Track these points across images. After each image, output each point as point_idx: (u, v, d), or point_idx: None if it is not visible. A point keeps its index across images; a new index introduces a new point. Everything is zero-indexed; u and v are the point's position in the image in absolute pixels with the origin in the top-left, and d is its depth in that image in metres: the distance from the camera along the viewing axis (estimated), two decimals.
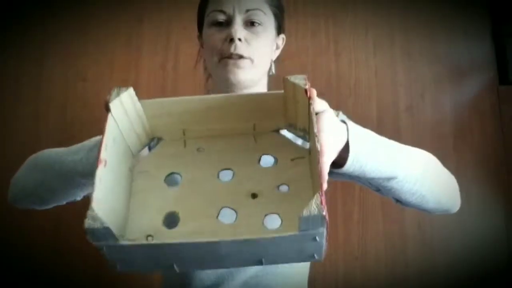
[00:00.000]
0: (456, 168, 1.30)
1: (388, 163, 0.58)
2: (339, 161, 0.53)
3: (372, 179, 0.59)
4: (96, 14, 1.40)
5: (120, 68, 1.36)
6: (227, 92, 0.75)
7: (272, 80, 0.85)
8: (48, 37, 1.38)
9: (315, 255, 0.44)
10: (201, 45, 0.81)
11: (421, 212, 1.26)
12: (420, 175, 0.62)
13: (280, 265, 0.72)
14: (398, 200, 0.66)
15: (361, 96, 1.35)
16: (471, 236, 1.27)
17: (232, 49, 0.71)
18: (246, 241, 0.39)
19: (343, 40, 1.39)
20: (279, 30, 0.81)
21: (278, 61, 0.85)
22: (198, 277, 0.71)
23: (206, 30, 0.76)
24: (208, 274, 0.72)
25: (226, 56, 0.72)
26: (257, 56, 0.73)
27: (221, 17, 0.73)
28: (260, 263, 0.42)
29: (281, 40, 0.83)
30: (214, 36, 0.74)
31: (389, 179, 0.59)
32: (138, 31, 1.39)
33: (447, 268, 1.26)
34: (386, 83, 1.36)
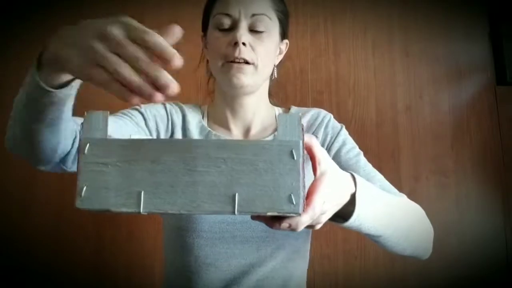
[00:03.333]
0: (454, 167, 1.32)
1: (382, 225, 0.58)
2: (342, 213, 0.52)
3: (362, 233, 0.58)
4: (96, 14, 1.40)
5: None
6: (229, 95, 0.78)
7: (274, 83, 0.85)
8: (48, 37, 1.38)
9: (292, 197, 0.38)
10: (205, 46, 0.81)
11: None
12: (405, 235, 0.64)
13: (279, 269, 0.73)
14: None
15: (360, 96, 1.36)
16: (469, 235, 1.27)
17: (236, 53, 0.71)
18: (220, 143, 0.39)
19: (342, 40, 1.39)
20: (283, 35, 0.81)
21: (280, 65, 0.85)
22: (202, 283, 0.72)
23: (211, 33, 0.76)
24: (212, 281, 0.72)
25: (230, 60, 0.72)
26: (260, 62, 0.73)
27: (227, 21, 0.73)
28: (231, 182, 0.39)
29: (284, 45, 0.83)
30: (219, 39, 0.73)
31: (378, 236, 0.59)
32: None
33: (446, 267, 1.26)
34: (385, 83, 1.37)
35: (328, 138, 0.80)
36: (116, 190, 0.39)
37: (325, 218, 0.48)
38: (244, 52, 0.71)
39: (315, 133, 0.80)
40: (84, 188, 0.39)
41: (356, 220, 0.52)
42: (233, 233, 0.72)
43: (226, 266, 0.72)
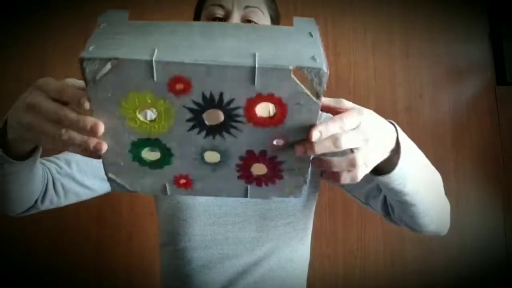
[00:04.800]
0: (454, 168, 1.32)
1: (422, 184, 0.55)
2: (385, 166, 0.48)
3: (401, 195, 0.53)
4: (96, 14, 1.40)
5: None
6: None
7: None
8: (48, 37, 1.39)
9: (315, 56, 0.37)
10: None
11: None
12: (436, 202, 0.62)
13: (277, 269, 0.72)
14: (388, 214, 0.67)
15: (360, 96, 1.36)
16: (469, 235, 1.27)
17: None
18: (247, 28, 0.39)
19: (342, 40, 1.39)
20: None
21: None
22: (197, 285, 0.72)
23: None
24: (207, 283, 0.72)
25: None
26: None
27: (219, 12, 0.72)
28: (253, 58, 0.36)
29: None
30: None
31: (415, 199, 0.55)
32: None
33: (445, 267, 1.26)
34: (385, 83, 1.37)
35: None
36: (128, 45, 0.36)
37: (371, 151, 0.43)
38: None
39: None
40: (92, 46, 0.37)
41: (402, 170, 0.49)
42: (226, 235, 0.72)
43: (220, 268, 0.71)
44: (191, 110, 0.39)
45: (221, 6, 0.71)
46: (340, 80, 1.37)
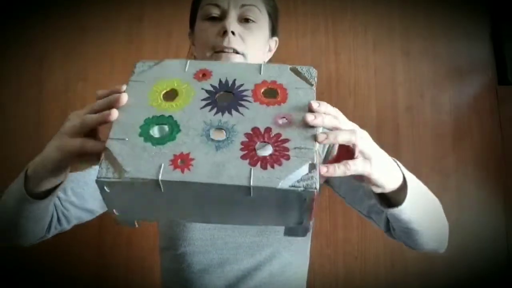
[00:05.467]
0: (455, 167, 1.31)
1: (424, 212, 0.59)
2: (393, 200, 0.52)
3: (405, 222, 0.57)
4: (96, 14, 1.40)
5: (120, 68, 1.36)
6: None
7: None
8: (48, 37, 1.38)
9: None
10: (192, 43, 0.79)
11: None
12: (431, 232, 0.65)
13: (277, 274, 0.72)
14: (389, 230, 0.68)
15: (360, 96, 1.35)
16: (470, 236, 1.27)
17: (225, 43, 0.69)
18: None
19: (342, 39, 1.39)
20: (273, 31, 0.78)
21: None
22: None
23: (199, 24, 0.74)
24: (210, 286, 0.71)
25: (219, 50, 0.69)
26: (250, 53, 0.71)
27: (215, 11, 0.71)
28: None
29: (274, 42, 0.80)
30: (207, 30, 0.71)
31: (418, 225, 0.59)
32: (138, 31, 1.39)
33: (446, 268, 1.26)
34: (385, 83, 1.37)
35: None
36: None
37: (371, 145, 0.48)
38: (233, 42, 0.69)
39: None
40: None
41: (409, 203, 0.52)
42: (225, 239, 0.71)
43: (220, 273, 0.71)
44: (207, 91, 0.47)
45: (217, 6, 0.71)
46: (341, 79, 1.37)
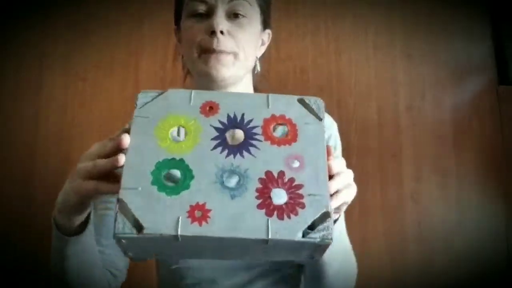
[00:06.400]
0: (455, 167, 1.31)
1: (336, 254, 0.62)
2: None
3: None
4: (96, 15, 1.40)
5: (120, 68, 1.36)
6: (208, 89, 0.68)
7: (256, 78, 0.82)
8: (48, 38, 1.38)
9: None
10: (178, 40, 0.75)
11: (421, 212, 1.28)
12: (341, 274, 0.68)
13: (274, 285, 0.71)
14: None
15: (361, 96, 1.35)
16: (470, 236, 1.27)
17: (214, 44, 0.64)
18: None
19: (343, 40, 1.39)
20: (265, 24, 0.73)
21: (263, 59, 0.78)
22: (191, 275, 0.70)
23: (185, 22, 0.69)
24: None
25: (208, 51, 0.65)
26: (241, 51, 0.67)
27: (201, 8, 0.66)
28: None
29: (266, 35, 0.75)
30: (193, 28, 0.66)
31: (325, 263, 0.62)
32: (138, 31, 1.39)
33: (447, 267, 1.26)
34: (386, 83, 1.36)
35: None
36: None
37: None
38: (223, 42, 0.65)
39: None
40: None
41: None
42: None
43: (214, 285, 0.69)
44: (216, 129, 0.46)
45: (203, 1, 0.66)
46: (341, 80, 1.36)
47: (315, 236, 0.40)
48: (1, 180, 1.31)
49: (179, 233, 0.39)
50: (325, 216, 0.41)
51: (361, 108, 1.34)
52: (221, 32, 0.64)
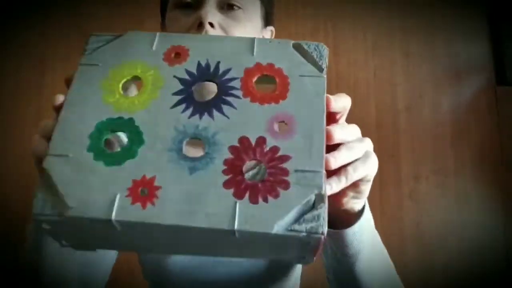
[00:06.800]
0: (454, 167, 1.31)
1: (375, 251, 0.50)
2: (345, 220, 0.42)
3: (349, 260, 0.46)
4: (96, 15, 1.40)
5: None
6: (196, 93, 0.55)
7: None
8: (48, 38, 1.39)
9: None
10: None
11: (419, 212, 1.28)
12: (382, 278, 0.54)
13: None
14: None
15: (360, 96, 1.36)
16: (469, 236, 1.27)
17: None
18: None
19: (342, 40, 1.39)
20: (267, 20, 0.63)
21: None
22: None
23: (169, 14, 0.59)
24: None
25: None
26: None
27: None
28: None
29: (269, 33, 0.64)
30: (179, 21, 0.56)
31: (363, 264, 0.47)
32: (138, 30, 1.39)
33: (446, 268, 1.26)
34: (385, 83, 1.37)
35: None
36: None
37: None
38: None
39: None
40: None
41: (360, 230, 0.44)
42: (204, 280, 0.60)
43: None
44: (181, 80, 0.34)
45: None
46: (340, 79, 1.37)
47: (300, 229, 0.29)
48: (1, 180, 1.31)
49: (113, 217, 0.29)
50: (317, 200, 0.30)
51: (360, 108, 1.34)
52: (211, 25, 0.53)
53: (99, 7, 1.40)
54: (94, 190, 0.30)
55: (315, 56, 0.38)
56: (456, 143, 1.33)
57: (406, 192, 1.30)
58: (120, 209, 0.29)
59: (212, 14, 0.53)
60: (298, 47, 0.37)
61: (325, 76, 0.37)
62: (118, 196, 0.30)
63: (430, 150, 1.33)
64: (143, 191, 0.30)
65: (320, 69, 0.38)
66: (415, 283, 1.26)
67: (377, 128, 1.33)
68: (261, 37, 0.61)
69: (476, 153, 1.32)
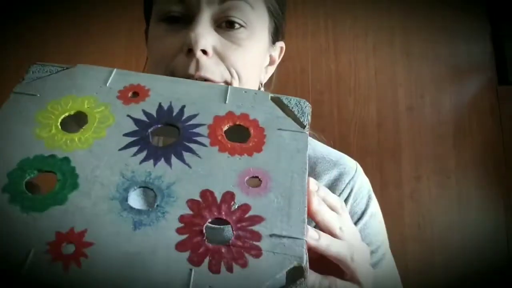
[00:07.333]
0: (455, 167, 1.31)
1: None
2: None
3: None
4: (96, 14, 1.40)
5: (120, 68, 1.36)
6: None
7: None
8: (48, 38, 1.38)
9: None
10: (147, 44, 0.53)
11: (420, 213, 1.28)
12: None
13: None
14: None
15: (361, 96, 1.35)
16: (470, 236, 1.27)
17: (191, 69, 0.41)
18: None
19: (343, 40, 1.39)
20: (276, 35, 0.51)
21: (269, 82, 0.56)
22: None
23: (153, 28, 0.47)
24: None
25: (183, 78, 0.40)
26: (236, 77, 0.44)
27: (176, 8, 0.43)
28: None
29: (278, 50, 0.53)
30: (164, 41, 0.44)
31: None
32: (138, 30, 1.39)
33: (446, 267, 1.26)
34: (386, 83, 1.37)
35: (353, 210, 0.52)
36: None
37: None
38: (206, 66, 0.42)
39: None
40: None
41: None
42: None
43: None
44: (136, 121, 0.28)
45: (181, 0, 0.43)
46: (341, 80, 1.37)
47: None
48: None
49: (24, 275, 0.22)
50: (296, 274, 0.24)
51: (361, 108, 1.34)
52: (204, 53, 0.42)
53: (100, 8, 1.40)
54: (5, 241, 0.23)
55: (296, 112, 0.31)
56: (457, 143, 1.33)
57: (407, 192, 1.30)
58: (33, 268, 0.22)
59: (205, 38, 0.42)
60: (277, 101, 0.31)
61: (307, 132, 0.30)
62: (32, 252, 0.22)
63: (431, 150, 1.32)
64: (68, 248, 0.23)
65: (302, 125, 0.30)
66: (416, 283, 1.25)
67: (378, 128, 1.33)
68: (267, 57, 0.51)
69: (477, 153, 1.32)
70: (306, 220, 0.25)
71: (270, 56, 0.52)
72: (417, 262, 1.26)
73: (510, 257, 1.27)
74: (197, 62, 0.42)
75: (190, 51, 0.42)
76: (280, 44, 0.53)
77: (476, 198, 1.29)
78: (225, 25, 0.44)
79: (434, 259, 1.26)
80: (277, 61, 0.54)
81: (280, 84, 0.54)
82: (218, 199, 0.25)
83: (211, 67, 0.42)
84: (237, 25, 0.44)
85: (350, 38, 1.39)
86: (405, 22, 1.39)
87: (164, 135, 0.28)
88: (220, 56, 0.43)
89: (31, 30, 1.39)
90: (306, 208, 0.26)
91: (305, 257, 0.24)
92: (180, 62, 0.42)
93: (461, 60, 1.38)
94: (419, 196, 1.29)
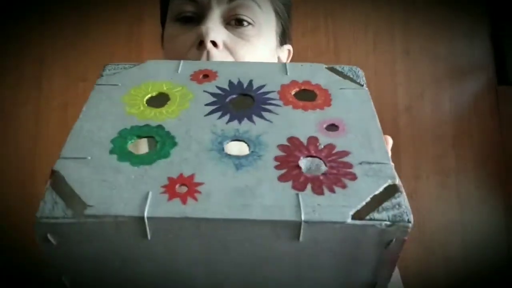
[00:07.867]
0: (455, 167, 1.31)
1: None
2: None
3: None
4: (96, 14, 1.40)
5: None
6: None
7: None
8: (48, 37, 1.38)
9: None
10: (163, 46, 0.57)
11: (420, 213, 1.28)
12: None
13: None
14: None
15: None
16: (470, 236, 1.27)
17: (203, 59, 0.45)
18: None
19: (342, 39, 1.39)
20: (284, 37, 0.55)
21: None
22: None
23: (168, 28, 0.52)
24: None
25: None
26: None
27: (189, 8, 0.47)
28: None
29: (285, 52, 0.57)
30: (178, 38, 0.48)
31: None
32: (138, 30, 1.39)
33: (447, 267, 1.26)
34: (385, 82, 1.37)
35: None
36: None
37: None
38: (216, 58, 0.45)
39: None
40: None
41: None
42: None
43: None
44: (213, 94, 0.32)
45: (193, 0, 0.47)
46: None
47: (381, 217, 0.24)
48: (1, 180, 1.31)
49: (146, 214, 0.23)
50: (393, 190, 0.26)
51: None
52: (214, 44, 0.45)
53: (100, 6, 1.40)
54: (120, 188, 0.25)
55: (351, 76, 0.36)
56: (457, 143, 1.33)
57: (406, 192, 1.28)
58: (154, 205, 0.24)
59: (215, 31, 0.45)
60: (332, 69, 0.36)
61: (366, 89, 0.35)
62: (150, 194, 0.24)
63: (431, 150, 1.32)
64: (182, 188, 0.25)
65: (360, 85, 0.36)
66: (416, 283, 1.25)
67: None
68: (275, 58, 0.54)
69: (477, 153, 1.32)
70: (388, 149, 0.29)
71: (278, 58, 0.55)
72: (417, 262, 1.26)
73: (510, 257, 1.27)
74: (208, 53, 0.45)
75: (201, 44, 0.45)
76: (288, 47, 0.57)
77: (476, 198, 1.29)
78: (234, 22, 0.47)
79: (434, 259, 1.26)
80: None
81: None
82: (305, 143, 0.28)
83: (219, 58, 0.45)
84: (245, 23, 0.47)
85: (349, 37, 1.39)
86: (405, 21, 1.39)
87: (238, 107, 0.32)
88: (230, 51, 0.46)
89: (31, 30, 1.39)
90: (385, 144, 0.29)
91: (396, 176, 0.27)
92: (192, 55, 0.46)
93: (461, 59, 1.38)
94: (419, 196, 1.29)
